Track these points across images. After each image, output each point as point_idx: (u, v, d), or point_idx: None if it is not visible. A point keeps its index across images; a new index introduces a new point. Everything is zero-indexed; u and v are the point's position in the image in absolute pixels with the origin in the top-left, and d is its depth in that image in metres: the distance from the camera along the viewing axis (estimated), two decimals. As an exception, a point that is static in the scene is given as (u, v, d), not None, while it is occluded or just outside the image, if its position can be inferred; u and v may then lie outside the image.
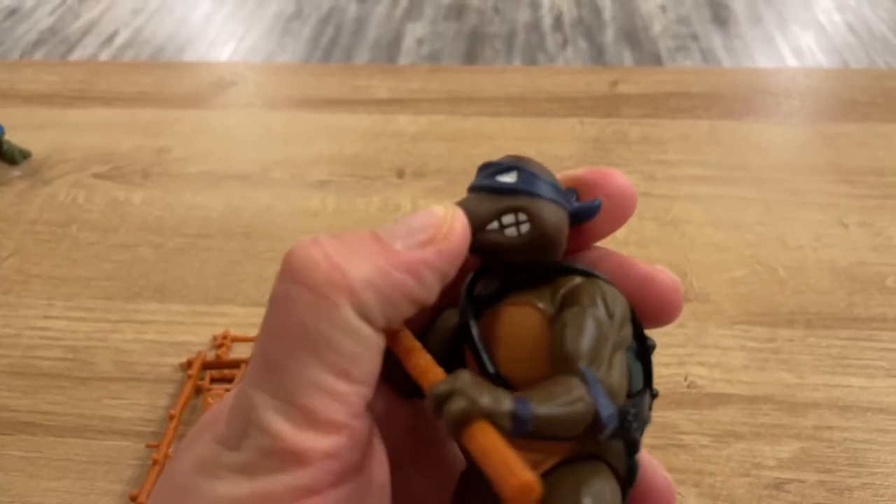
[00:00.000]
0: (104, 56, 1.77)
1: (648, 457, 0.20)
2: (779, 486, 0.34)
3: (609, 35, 1.79)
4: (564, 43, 1.76)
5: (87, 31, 1.88)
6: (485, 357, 0.18)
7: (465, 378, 0.15)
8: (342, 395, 0.16)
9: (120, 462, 0.36)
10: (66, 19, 1.94)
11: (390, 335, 0.17)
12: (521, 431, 0.14)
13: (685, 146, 0.55)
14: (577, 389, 0.15)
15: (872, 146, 0.55)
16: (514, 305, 0.18)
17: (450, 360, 0.18)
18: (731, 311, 0.42)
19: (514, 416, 0.14)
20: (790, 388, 0.38)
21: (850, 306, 0.42)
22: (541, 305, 0.18)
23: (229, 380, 0.39)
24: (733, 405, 0.38)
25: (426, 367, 0.16)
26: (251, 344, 0.41)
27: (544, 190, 0.18)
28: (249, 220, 0.50)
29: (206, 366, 0.40)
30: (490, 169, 0.19)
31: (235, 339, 0.41)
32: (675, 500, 0.20)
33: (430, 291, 0.17)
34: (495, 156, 0.61)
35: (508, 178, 0.18)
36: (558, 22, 1.85)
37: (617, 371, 0.17)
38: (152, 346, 0.42)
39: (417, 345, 0.17)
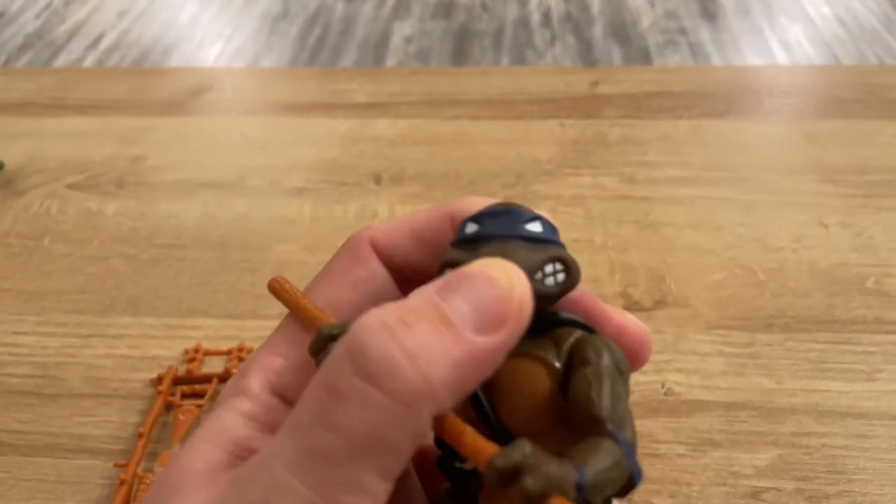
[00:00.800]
0: (90, 59, 1.76)
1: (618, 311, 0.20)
2: (756, 494, 0.34)
3: (597, 31, 1.78)
4: (553, 39, 1.76)
5: (72, 34, 1.87)
6: (487, 407, 0.18)
7: (526, 449, 0.15)
8: (379, 494, 0.15)
9: (88, 482, 0.36)
10: (52, 23, 1.93)
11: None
12: (579, 500, 0.15)
13: (666, 147, 0.55)
14: (614, 452, 0.16)
15: (855, 144, 0.54)
16: (518, 357, 0.17)
17: None
18: (709, 315, 0.42)
19: (578, 486, 0.15)
20: (768, 393, 0.38)
21: (830, 308, 0.42)
22: (547, 359, 0.18)
23: (200, 395, 0.39)
24: (711, 412, 0.37)
25: (475, 441, 0.16)
26: (223, 357, 0.41)
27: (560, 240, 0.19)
28: (225, 229, 0.50)
29: (176, 381, 0.39)
30: (505, 218, 0.19)
31: (207, 353, 0.41)
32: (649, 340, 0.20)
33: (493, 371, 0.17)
34: (475, 160, 0.60)
35: (537, 228, 0.19)
36: (546, 18, 1.85)
37: (630, 427, 0.17)
38: (123, 360, 0.41)
39: (457, 418, 0.17)
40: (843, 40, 1.68)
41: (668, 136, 0.56)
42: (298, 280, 0.47)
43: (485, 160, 0.54)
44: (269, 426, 0.19)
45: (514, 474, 0.14)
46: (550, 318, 0.19)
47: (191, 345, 0.41)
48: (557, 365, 0.18)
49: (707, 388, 0.38)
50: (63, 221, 0.51)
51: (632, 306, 0.43)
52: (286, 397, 0.19)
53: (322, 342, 0.18)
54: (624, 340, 0.19)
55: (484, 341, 0.16)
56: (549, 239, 0.19)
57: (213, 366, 0.40)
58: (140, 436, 0.36)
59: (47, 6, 2.01)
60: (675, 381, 0.38)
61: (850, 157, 0.53)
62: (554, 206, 0.49)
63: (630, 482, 0.16)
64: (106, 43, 1.82)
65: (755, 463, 0.35)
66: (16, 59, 1.78)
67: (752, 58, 1.64)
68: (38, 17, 1.96)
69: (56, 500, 0.35)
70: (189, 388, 0.39)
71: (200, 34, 1.85)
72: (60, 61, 1.77)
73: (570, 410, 0.17)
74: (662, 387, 0.38)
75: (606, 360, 0.17)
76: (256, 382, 0.19)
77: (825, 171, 0.52)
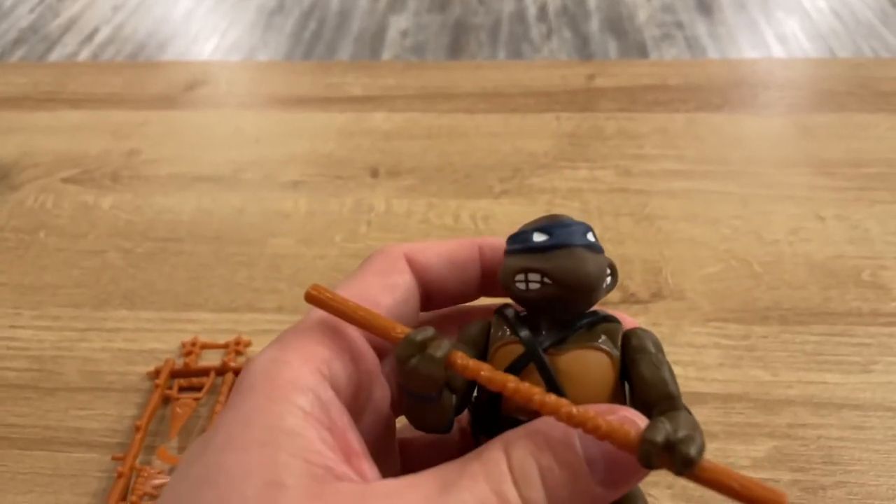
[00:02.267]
0: (84, 54, 1.75)
1: None
2: (752, 486, 0.34)
3: (594, 24, 1.78)
4: (549, 33, 1.75)
5: (67, 28, 1.86)
6: (563, 391, 0.20)
7: (667, 425, 0.17)
8: None
9: (86, 475, 0.36)
10: (46, 17, 1.92)
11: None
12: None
13: (661, 140, 0.55)
14: (694, 419, 0.19)
15: (850, 137, 0.54)
16: (584, 349, 0.20)
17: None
18: (705, 307, 0.42)
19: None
20: (764, 385, 0.38)
21: (826, 301, 0.42)
22: (610, 350, 0.20)
23: (198, 388, 0.39)
24: (707, 404, 0.37)
25: (612, 425, 0.17)
26: (220, 351, 0.41)
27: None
28: (220, 223, 0.50)
29: (173, 374, 0.39)
30: (571, 229, 0.21)
31: (205, 346, 0.41)
32: None
33: None
34: (471, 153, 0.60)
35: (593, 239, 0.21)
36: (543, 12, 1.84)
37: None
38: (120, 354, 0.41)
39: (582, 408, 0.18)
40: (839, 34, 1.68)
41: (664, 129, 0.56)
42: (294, 273, 0.47)
43: (481, 154, 0.54)
44: (328, 427, 0.18)
45: (666, 446, 0.17)
46: (599, 317, 0.21)
47: (187, 338, 0.41)
48: (617, 354, 0.20)
49: (703, 381, 0.38)
50: (58, 215, 0.51)
51: (628, 299, 0.43)
52: (336, 388, 0.19)
53: (412, 350, 0.19)
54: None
55: (606, 493, 0.18)
56: (601, 249, 0.21)
57: (211, 359, 0.40)
58: (137, 429, 0.36)
59: (41, 1, 2.00)
60: (672, 373, 0.39)
61: (845, 150, 0.53)
62: (550, 200, 0.49)
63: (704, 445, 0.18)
64: (100, 37, 1.81)
65: (751, 454, 0.35)
66: (10, 54, 1.77)
67: (748, 51, 1.64)
68: (32, 11, 1.95)
69: (53, 493, 0.35)
70: (186, 382, 0.39)
71: (195, 29, 1.84)
72: (54, 56, 1.76)
73: (642, 391, 0.20)
74: (659, 379, 0.38)
75: (655, 346, 0.20)
76: (309, 375, 0.18)
77: (821, 165, 0.52)
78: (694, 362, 0.39)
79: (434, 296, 0.24)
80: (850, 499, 0.33)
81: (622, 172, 0.52)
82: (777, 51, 1.63)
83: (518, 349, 0.20)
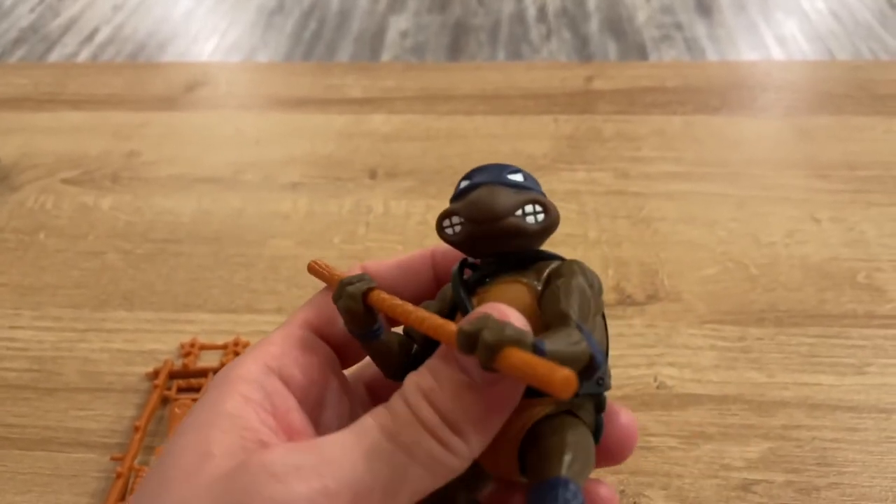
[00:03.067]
0: (84, 54, 1.76)
1: (611, 402, 0.22)
2: (746, 487, 0.34)
3: (593, 26, 1.78)
4: (549, 34, 1.76)
5: (67, 28, 1.86)
6: None
7: (487, 317, 0.17)
8: None
9: (85, 475, 0.36)
10: (46, 17, 1.92)
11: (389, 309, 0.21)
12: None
13: (659, 142, 0.55)
14: (576, 335, 0.18)
15: (847, 139, 0.55)
16: (504, 283, 0.21)
17: (435, 344, 0.20)
18: (701, 309, 0.42)
19: (535, 348, 0.17)
20: (759, 387, 0.38)
21: (821, 303, 0.42)
22: (528, 281, 0.21)
23: (196, 389, 0.39)
24: (702, 406, 0.37)
25: (447, 324, 0.19)
26: (219, 352, 0.41)
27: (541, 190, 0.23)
28: (220, 224, 0.50)
29: (172, 375, 0.39)
30: (490, 170, 0.22)
31: (203, 347, 0.41)
32: (637, 436, 0.23)
33: None
34: (469, 155, 0.60)
35: (518, 178, 0.22)
36: (542, 13, 1.85)
37: (598, 331, 0.21)
38: (119, 355, 0.41)
39: (419, 309, 0.20)
40: (838, 35, 1.68)
41: (662, 131, 0.56)
42: (293, 274, 0.47)
43: (479, 155, 0.55)
44: (270, 411, 0.20)
45: (476, 335, 0.17)
46: (536, 255, 0.22)
47: (186, 339, 0.42)
48: (538, 286, 0.21)
49: (699, 382, 0.38)
50: (58, 216, 0.51)
51: (625, 301, 0.43)
52: (286, 380, 0.21)
53: (341, 290, 0.21)
54: (611, 427, 0.22)
55: (492, 396, 0.19)
56: (529, 187, 0.22)
57: (209, 360, 0.41)
58: (136, 429, 0.36)
59: (41, 0, 2.00)
60: (668, 374, 0.39)
61: (841, 152, 0.53)
62: (548, 201, 0.50)
63: (592, 362, 0.18)
64: (100, 38, 1.82)
65: (746, 456, 0.35)
66: (10, 54, 1.78)
67: (747, 53, 1.64)
68: (32, 11, 1.96)
69: (52, 493, 0.35)
70: (185, 383, 0.39)
71: (195, 29, 1.84)
72: (54, 56, 1.76)
73: (544, 313, 0.20)
74: (655, 380, 0.39)
75: (578, 277, 0.20)
76: (256, 369, 0.21)
77: (816, 167, 0.52)
78: (690, 364, 0.39)
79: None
80: (844, 500, 0.33)
81: (620, 174, 0.52)
82: (776, 52, 1.64)
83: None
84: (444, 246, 0.24)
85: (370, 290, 0.21)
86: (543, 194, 0.22)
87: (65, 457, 0.37)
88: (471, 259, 0.23)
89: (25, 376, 0.41)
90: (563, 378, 0.15)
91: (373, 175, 0.53)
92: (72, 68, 0.69)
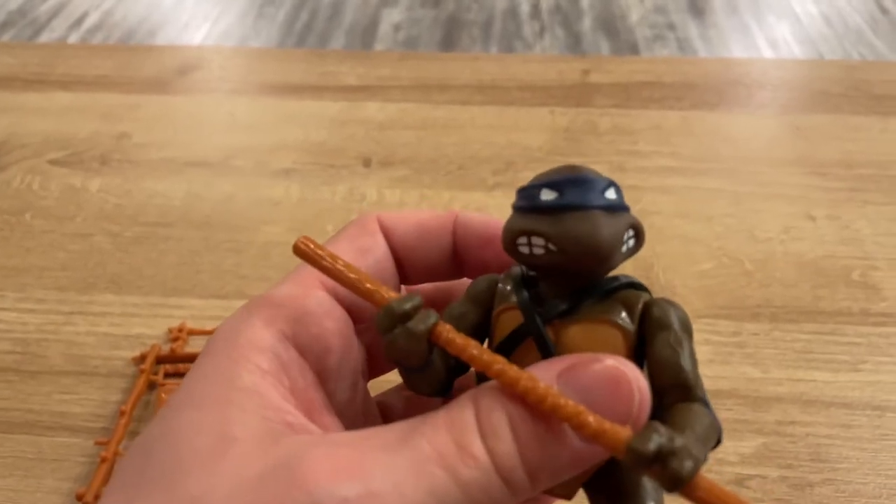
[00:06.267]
0: (73, 38, 1.73)
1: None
2: (741, 481, 0.34)
3: (586, 23, 1.78)
4: (542, 31, 1.75)
5: (55, 13, 1.84)
6: None
7: (661, 431, 0.15)
8: None
9: (68, 459, 0.35)
10: (35, 0, 1.90)
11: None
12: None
13: (656, 137, 0.55)
14: (706, 416, 0.17)
15: (842, 138, 0.55)
16: (590, 322, 0.18)
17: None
18: (697, 304, 0.42)
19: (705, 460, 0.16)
20: (754, 382, 0.38)
21: (816, 300, 0.42)
22: (618, 322, 0.18)
23: (184, 374, 0.38)
24: (697, 400, 0.37)
25: (602, 422, 0.16)
26: (207, 337, 0.40)
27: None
28: (211, 208, 0.49)
29: (160, 360, 0.39)
30: (584, 185, 0.18)
31: (192, 332, 0.40)
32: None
33: None
34: (465, 145, 0.59)
35: (613, 196, 0.18)
36: (536, 10, 1.84)
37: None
38: (105, 338, 0.41)
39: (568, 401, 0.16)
40: (829, 39, 1.69)
41: (659, 126, 0.56)
42: (284, 260, 0.47)
43: (475, 146, 0.54)
44: (289, 385, 0.18)
45: (656, 458, 0.15)
46: (618, 283, 0.19)
47: (174, 324, 0.41)
48: (631, 328, 0.18)
49: (693, 376, 0.38)
50: (45, 197, 0.50)
51: (620, 294, 0.43)
52: (301, 348, 0.19)
53: (393, 321, 0.17)
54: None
55: (588, 451, 0.16)
56: (624, 206, 0.18)
57: (198, 345, 0.40)
58: (122, 413, 0.36)
59: (30, -17, 1.97)
60: (662, 368, 0.39)
61: (837, 151, 0.53)
62: (543, 193, 0.49)
63: (719, 441, 0.17)
64: (89, 22, 1.79)
65: (740, 451, 0.35)
66: (-4, 37, 1.75)
67: (738, 54, 1.65)
68: (20, -6, 1.93)
69: (35, 477, 0.34)
70: (172, 368, 0.38)
71: (186, 16, 1.82)
72: (43, 40, 1.74)
73: (656, 374, 0.17)
74: (649, 374, 0.38)
75: (679, 323, 0.18)
76: (269, 335, 0.18)
77: (812, 165, 0.52)
78: (685, 358, 0.39)
79: (406, 266, 0.23)
80: (838, 496, 0.33)
81: (616, 168, 0.52)
82: (767, 54, 1.64)
83: (519, 317, 0.18)
84: (469, 214, 0.22)
85: (434, 326, 0.17)
86: (629, 207, 0.19)
87: (48, 441, 0.36)
88: (523, 268, 0.20)
89: (8, 358, 0.40)
90: None
91: (367, 163, 0.53)
92: (62, 49, 0.68)
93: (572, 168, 0.19)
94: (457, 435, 0.16)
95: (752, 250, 0.45)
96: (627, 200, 0.19)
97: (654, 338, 0.18)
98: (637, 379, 0.16)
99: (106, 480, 0.33)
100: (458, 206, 0.49)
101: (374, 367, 0.23)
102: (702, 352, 0.39)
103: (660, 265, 0.44)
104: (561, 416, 0.16)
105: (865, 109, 0.57)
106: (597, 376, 0.16)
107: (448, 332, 0.17)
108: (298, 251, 0.19)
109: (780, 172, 0.51)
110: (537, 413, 0.16)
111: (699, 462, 0.15)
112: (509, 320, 0.19)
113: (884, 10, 1.80)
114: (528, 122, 0.56)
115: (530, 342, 0.18)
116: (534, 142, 0.54)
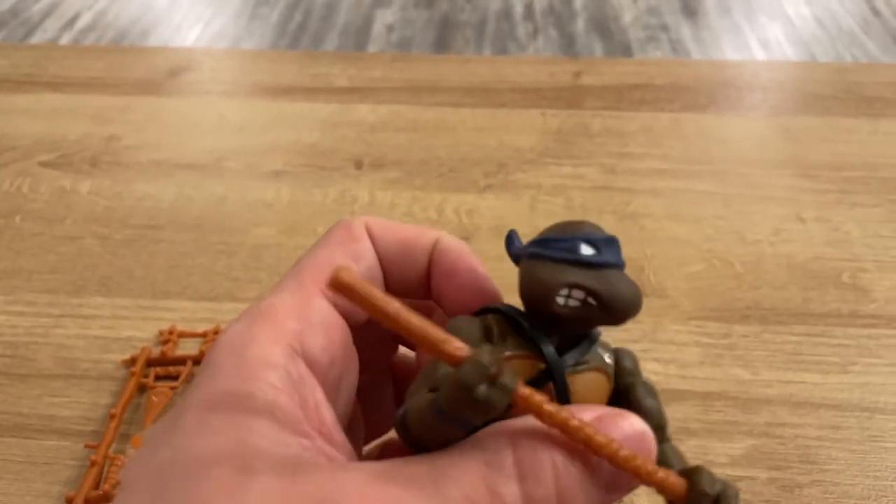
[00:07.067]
0: (65, 39, 1.73)
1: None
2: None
3: (580, 25, 1.78)
4: (535, 32, 1.75)
5: (48, 13, 1.83)
6: None
7: (713, 474, 0.18)
8: None
9: (58, 463, 0.35)
10: (27, 1, 1.89)
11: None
12: None
13: (647, 139, 0.55)
14: (678, 450, 0.20)
15: (833, 140, 0.55)
16: (594, 371, 0.19)
17: None
18: (687, 306, 0.42)
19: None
20: (744, 384, 0.38)
21: (806, 302, 0.42)
22: (608, 371, 0.20)
23: (174, 377, 0.38)
24: (687, 402, 0.37)
25: (668, 475, 0.17)
26: (198, 340, 0.40)
27: None
28: (201, 211, 0.49)
29: (150, 362, 0.39)
30: (611, 246, 0.19)
31: (182, 335, 0.40)
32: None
33: None
34: (456, 147, 0.59)
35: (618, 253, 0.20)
36: (529, 11, 1.84)
37: None
38: (95, 341, 0.40)
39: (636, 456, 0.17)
40: (821, 40, 1.70)
41: (650, 128, 0.56)
42: (275, 263, 0.47)
43: (466, 148, 0.54)
44: (300, 404, 0.17)
45: (716, 499, 0.17)
46: (595, 333, 0.20)
47: (165, 326, 0.41)
48: (611, 371, 0.20)
49: (683, 378, 0.38)
50: (35, 200, 0.50)
51: (610, 296, 0.43)
52: (310, 363, 0.18)
53: (485, 377, 0.16)
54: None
55: (612, 496, 0.17)
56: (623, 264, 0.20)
57: (188, 348, 0.40)
58: (112, 417, 0.35)
59: (22, -17, 1.97)
60: (652, 370, 0.39)
61: (827, 153, 0.54)
62: (535, 196, 0.49)
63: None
64: (81, 23, 1.79)
65: (730, 452, 0.35)
66: (-12, 37, 1.74)
67: (731, 55, 1.65)
68: (11, -6, 1.92)
69: (24, 480, 0.34)
70: (163, 370, 0.38)
71: (179, 17, 1.82)
72: (34, 41, 1.73)
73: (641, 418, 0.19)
74: (639, 376, 0.38)
75: (639, 367, 0.20)
76: (279, 351, 0.18)
77: (802, 167, 0.52)
78: (674, 360, 0.39)
79: (386, 278, 0.22)
80: (826, 497, 0.33)
81: (607, 170, 0.52)
82: (760, 55, 1.65)
83: (537, 365, 0.19)
84: (449, 240, 0.22)
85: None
86: None
87: (37, 444, 0.36)
88: (510, 310, 0.20)
89: (-2, 362, 0.40)
90: None
91: (358, 165, 0.53)
92: (53, 50, 0.68)
93: (589, 225, 0.20)
94: (489, 480, 0.15)
95: (742, 252, 0.45)
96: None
97: (633, 386, 0.20)
98: (651, 432, 0.18)
99: (95, 484, 0.33)
100: (450, 208, 0.49)
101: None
102: (692, 353, 0.39)
103: (650, 267, 0.44)
104: (628, 468, 0.16)
105: (856, 111, 0.57)
106: (625, 433, 0.17)
107: (528, 390, 0.17)
108: (338, 284, 0.16)
109: (770, 174, 0.52)
110: (583, 459, 0.16)
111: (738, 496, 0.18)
112: (524, 368, 0.19)
113: (876, 12, 1.81)
114: (520, 123, 0.57)
115: (547, 387, 0.19)
116: (525, 143, 0.54)
